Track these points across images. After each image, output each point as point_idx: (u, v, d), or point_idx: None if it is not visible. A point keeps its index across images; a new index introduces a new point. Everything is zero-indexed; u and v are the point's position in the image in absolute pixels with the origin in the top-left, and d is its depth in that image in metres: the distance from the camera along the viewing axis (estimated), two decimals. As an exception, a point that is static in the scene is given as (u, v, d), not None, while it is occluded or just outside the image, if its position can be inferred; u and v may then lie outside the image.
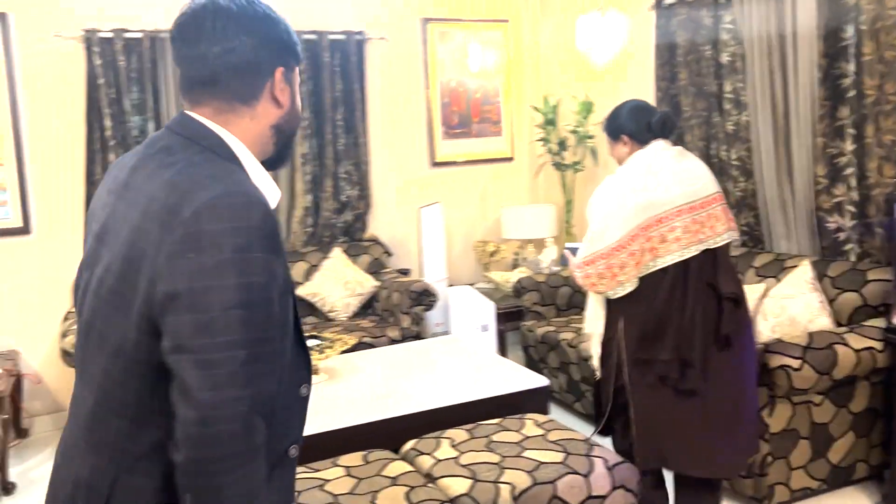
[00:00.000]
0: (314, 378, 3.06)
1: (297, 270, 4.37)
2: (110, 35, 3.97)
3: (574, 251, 2.53)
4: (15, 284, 3.94)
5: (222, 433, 0.98)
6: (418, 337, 4.09)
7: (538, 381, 3.02)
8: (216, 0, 1.10)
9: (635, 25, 4.26)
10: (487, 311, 3.97)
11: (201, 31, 1.10)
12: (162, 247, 1.00)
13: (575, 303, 4.26)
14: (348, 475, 2.30)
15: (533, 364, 4.03)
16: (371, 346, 3.91)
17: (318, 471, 2.34)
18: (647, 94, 4.11)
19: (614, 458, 2.36)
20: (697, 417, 2.25)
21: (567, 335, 3.82)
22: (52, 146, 3.98)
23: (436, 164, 4.98)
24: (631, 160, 2.35)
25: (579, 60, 4.71)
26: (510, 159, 5.22)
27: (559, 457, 2.33)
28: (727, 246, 2.30)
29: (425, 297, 4.14)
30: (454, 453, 2.41)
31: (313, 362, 3.07)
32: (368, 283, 4.41)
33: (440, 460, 2.38)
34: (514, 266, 4.98)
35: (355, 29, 4.58)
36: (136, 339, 1.04)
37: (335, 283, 4.33)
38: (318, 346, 3.10)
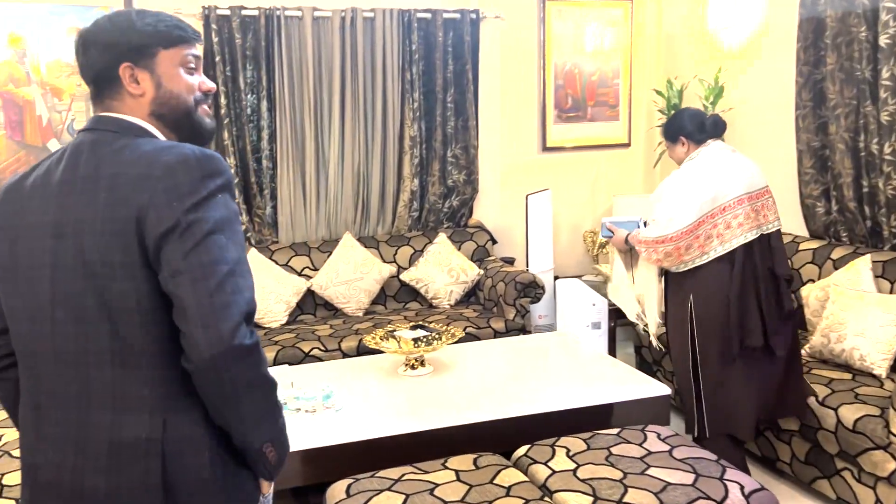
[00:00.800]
0: (420, 370, 2.96)
1: (401, 255, 4.29)
2: (227, 12, 3.97)
3: (620, 225, 2.92)
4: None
5: (223, 333, 1.14)
6: (523, 330, 3.93)
7: (659, 388, 2.81)
8: (83, 28, 1.34)
9: (774, 2, 3.90)
10: (600, 308, 3.76)
11: (76, 52, 1.33)
12: (145, 206, 1.18)
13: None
14: (458, 480, 2.18)
15: (645, 367, 3.80)
16: (475, 337, 3.78)
17: (426, 472, 2.23)
18: (787, 78, 3.76)
19: (751, 483, 2.13)
20: (767, 377, 2.67)
21: (686, 338, 3.56)
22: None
23: (546, 149, 4.77)
24: (694, 157, 2.73)
25: (708, 41, 4.38)
26: (626, 145, 4.94)
27: (688, 478, 2.13)
28: (778, 232, 2.72)
29: (532, 289, 3.97)
30: (571, 465, 2.24)
31: (421, 354, 2.97)
32: (473, 272, 4.28)
33: (556, 472, 2.22)
34: (626, 259, 4.73)
35: (470, 7, 4.42)
36: (148, 291, 1.19)
37: (439, 270, 4.21)
38: (425, 337, 2.99)
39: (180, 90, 1.33)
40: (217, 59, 3.96)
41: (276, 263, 4.05)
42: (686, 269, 2.67)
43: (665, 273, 2.80)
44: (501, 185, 4.72)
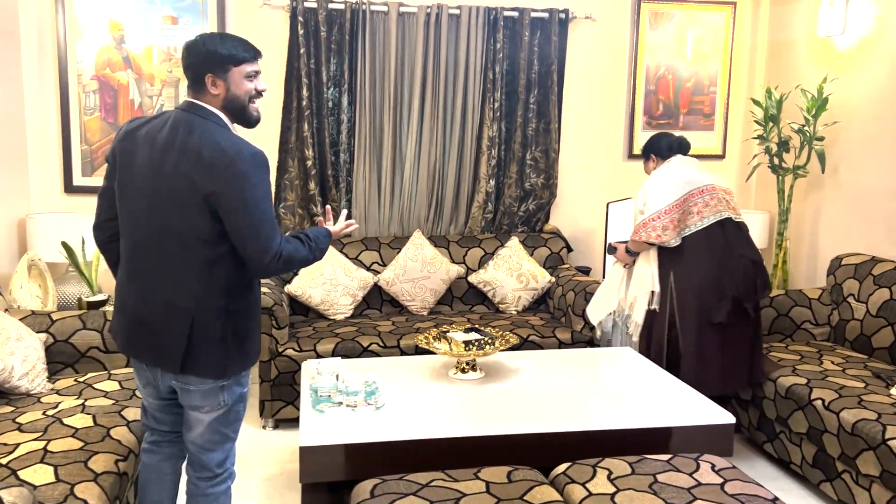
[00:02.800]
0: (470, 374, 2.87)
1: (471, 257, 4.20)
2: (314, 5, 4.01)
3: (623, 242, 3.42)
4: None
5: (276, 252, 1.99)
6: (590, 343, 3.76)
7: (722, 416, 2.59)
8: (187, 39, 2.08)
9: (889, 7, 3.57)
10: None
11: (182, 56, 2.06)
12: (217, 179, 1.93)
13: (779, 327, 3.70)
14: (488, 492, 2.07)
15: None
16: (538, 346, 3.65)
17: (456, 481, 2.13)
18: (900, 91, 3.43)
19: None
20: (737, 344, 3.14)
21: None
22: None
23: (632, 157, 4.57)
24: (661, 168, 3.33)
25: (817, 49, 4.06)
26: (720, 157, 4.67)
27: (737, 517, 1.94)
28: (746, 225, 3.25)
29: (604, 301, 3.79)
30: (610, 489, 2.09)
31: (473, 358, 2.87)
32: (543, 279, 4.14)
33: (592, 494, 2.07)
34: (711, 277, 4.47)
35: (560, 7, 4.29)
36: (201, 225, 1.96)
37: (509, 274, 4.10)
38: (477, 340, 2.90)
39: (240, 94, 2.04)
40: (301, 51, 4.01)
41: (347, 256, 4.06)
42: (677, 242, 3.15)
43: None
44: (581, 191, 4.55)
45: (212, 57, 1.99)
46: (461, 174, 4.31)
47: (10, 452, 2.23)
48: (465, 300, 4.21)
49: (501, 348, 2.90)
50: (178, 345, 1.99)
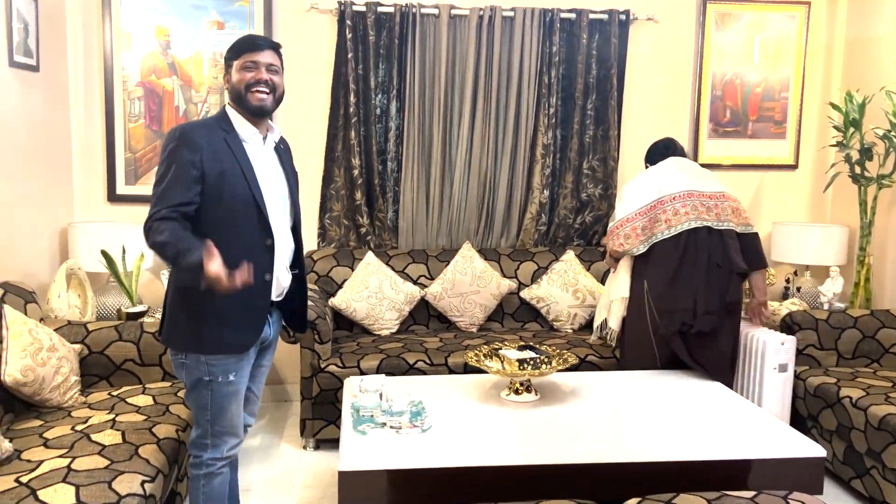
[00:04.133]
0: (524, 396, 2.65)
1: (523, 271, 3.98)
2: (363, 9, 3.87)
3: None
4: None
5: (147, 221, 2.06)
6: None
7: (812, 448, 2.30)
8: None
9: None
10: (789, 348, 3.15)
11: None
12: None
13: (864, 350, 3.36)
14: (546, 529, 1.83)
15: (799, 422, 3.23)
16: (596, 367, 3.40)
17: (510, 515, 1.90)
18: None
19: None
20: (717, 355, 3.08)
21: (853, 391, 2.97)
22: (298, 121, 3.98)
23: (697, 167, 4.28)
24: (643, 173, 3.31)
25: (901, 48, 3.75)
26: (793, 167, 4.35)
27: (841, 569, 1.65)
28: (732, 232, 3.11)
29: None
30: (686, 530, 1.83)
31: (528, 378, 2.65)
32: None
33: (666, 536, 1.81)
34: (784, 296, 4.14)
35: (621, 7, 4.06)
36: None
37: (563, 290, 3.86)
38: (532, 359, 2.66)
39: (236, 83, 2.14)
40: (349, 56, 3.87)
41: (393, 269, 3.87)
42: (642, 251, 3.10)
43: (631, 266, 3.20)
44: (642, 204, 4.28)
45: (225, 56, 2.18)
46: (513, 184, 4.09)
47: (33, 470, 2.09)
48: (517, 317, 3.97)
49: (559, 368, 2.66)
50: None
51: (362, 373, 3.30)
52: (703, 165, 4.27)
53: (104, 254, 3.37)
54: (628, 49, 4.11)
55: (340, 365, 3.32)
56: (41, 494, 1.94)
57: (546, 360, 2.68)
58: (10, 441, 2.30)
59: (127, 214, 3.85)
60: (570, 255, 3.98)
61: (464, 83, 3.98)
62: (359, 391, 2.54)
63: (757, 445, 2.31)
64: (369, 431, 2.34)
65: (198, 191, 2.03)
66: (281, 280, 2.22)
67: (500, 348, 2.82)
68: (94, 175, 3.87)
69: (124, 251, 3.48)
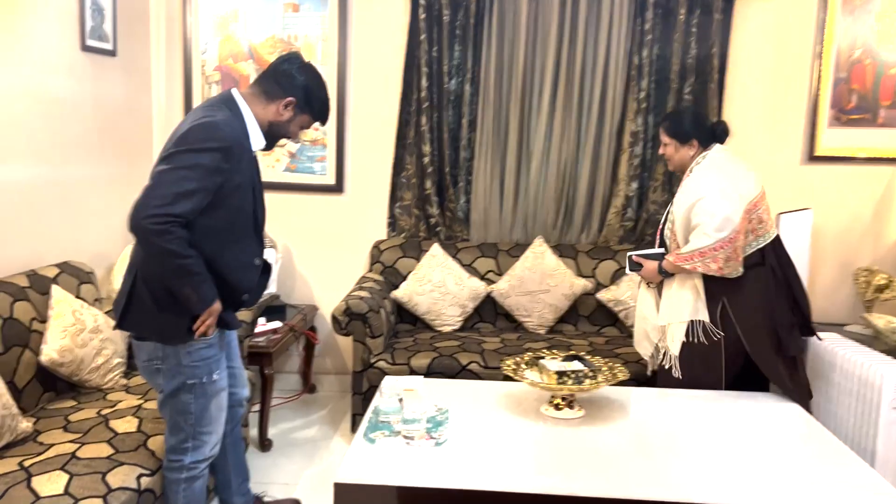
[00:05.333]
0: (565, 412, 2.39)
1: (603, 270, 3.65)
2: (438, -13, 3.69)
3: (650, 257, 2.75)
4: (324, 242, 3.94)
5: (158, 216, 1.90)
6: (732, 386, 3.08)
7: (896, 506, 1.89)
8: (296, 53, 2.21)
9: None
10: None
11: (282, 59, 2.13)
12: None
13: None
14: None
15: None
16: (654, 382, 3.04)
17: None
18: None
19: None
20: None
21: (975, 435, 2.46)
22: (370, 105, 3.86)
23: (813, 159, 3.77)
24: (707, 158, 2.69)
25: None
26: (930, 161, 3.73)
27: None
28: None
29: (759, 332, 3.09)
30: None
31: (570, 392, 2.37)
32: (689, 300, 3.49)
33: None
34: (910, 311, 3.56)
35: (725, -21, 3.62)
36: None
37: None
38: (574, 372, 2.39)
39: (291, 127, 2.13)
40: (422, 37, 3.70)
41: (460, 263, 3.68)
42: (741, 272, 2.58)
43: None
44: (745, 200, 3.83)
45: (307, 91, 2.09)
46: (597, 175, 3.77)
47: (41, 454, 2.09)
48: (593, 320, 3.66)
49: (605, 384, 2.37)
50: None
51: (412, 371, 3.15)
52: (820, 158, 3.78)
53: (168, 237, 3.41)
54: (733, 24, 3.66)
55: (390, 361, 3.18)
56: (34, 481, 1.93)
57: (591, 373, 2.40)
58: (37, 420, 2.34)
59: (202, 198, 3.90)
60: (654, 255, 3.61)
61: (544, 65, 3.69)
62: (379, 394, 2.37)
63: (839, 490, 1.92)
64: (379, 440, 2.17)
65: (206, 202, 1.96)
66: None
67: (543, 357, 2.56)
68: (173, 158, 3.94)
69: (191, 235, 3.51)
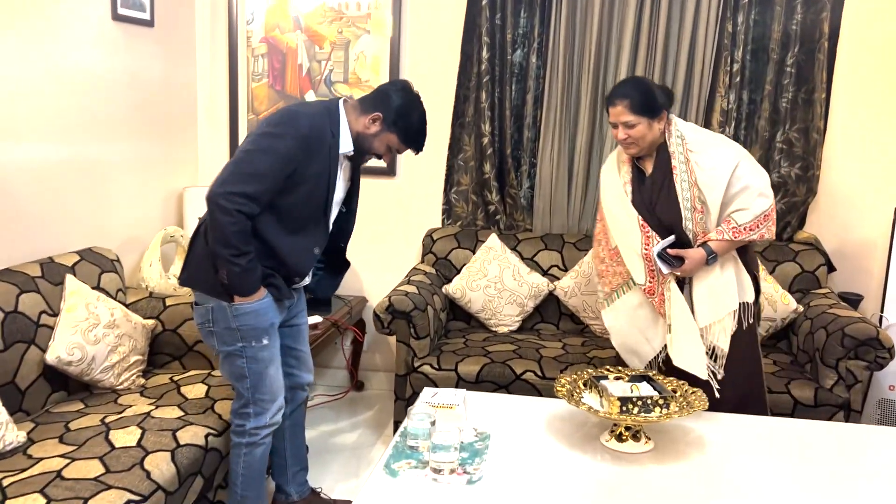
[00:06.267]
0: (629, 445, 2.00)
1: (683, 268, 3.20)
2: (502, -54, 3.28)
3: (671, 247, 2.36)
4: (374, 228, 3.63)
5: (225, 195, 1.98)
6: (845, 408, 2.61)
7: None
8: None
9: None
10: None
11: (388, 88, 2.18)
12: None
13: None
14: None
15: None
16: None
17: None
18: None
19: None
20: None
21: None
22: (425, 80, 3.50)
23: (943, 143, 3.19)
24: (683, 127, 2.38)
25: None
26: None
27: None
28: None
29: (872, 349, 2.60)
30: None
31: (639, 425, 1.97)
32: (786, 306, 3.01)
33: None
34: None
35: (841, -72, 3.07)
36: None
37: (733, 297, 3.03)
38: (640, 399, 1.98)
39: (375, 146, 2.15)
40: (483, 3, 3.30)
41: (519, 256, 3.30)
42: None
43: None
44: (855, 189, 3.28)
45: (396, 116, 2.10)
46: (680, 159, 3.30)
47: (25, 470, 1.86)
48: (671, 324, 3.22)
49: (677, 415, 1.96)
50: None
51: (460, 379, 2.81)
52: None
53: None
54: (850, -16, 3.11)
55: (436, 366, 2.85)
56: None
57: (662, 400, 1.99)
58: (35, 427, 2.12)
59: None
60: (745, 253, 3.13)
61: (621, 33, 3.24)
62: (409, 414, 2.04)
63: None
64: (403, 472, 1.85)
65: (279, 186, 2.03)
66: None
67: (605, 376, 2.16)
68: (217, 137, 3.71)
69: (230, 220, 3.26)
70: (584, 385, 2.14)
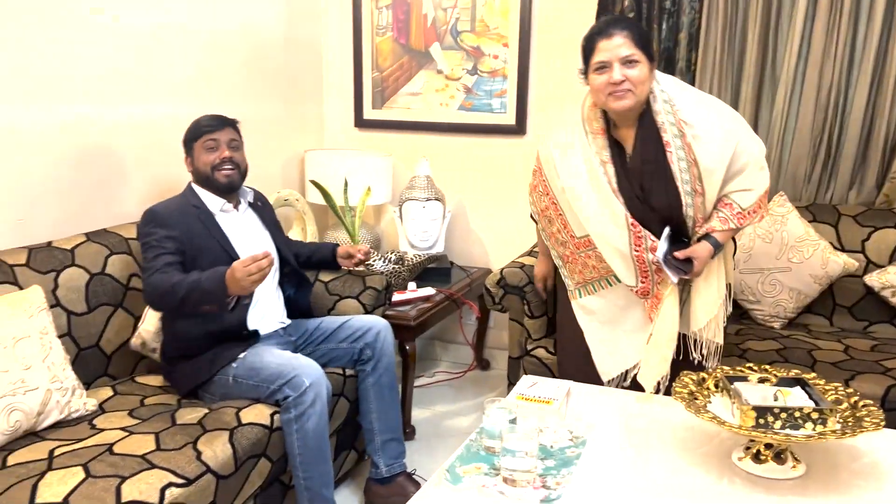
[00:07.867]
0: (769, 468, 1.54)
1: (875, 244, 2.57)
2: None
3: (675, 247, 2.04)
4: (501, 193, 3.29)
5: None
6: None
7: None
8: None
9: None
10: None
11: None
12: None
13: None
14: None
15: None
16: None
17: None
18: None
19: None
20: None
21: None
22: (560, 23, 3.09)
23: None
24: (676, 84, 1.98)
25: None
26: None
27: None
28: None
29: None
30: None
31: (785, 444, 1.50)
32: None
33: None
34: None
35: None
36: None
37: (943, 281, 2.36)
38: (785, 410, 1.50)
39: (202, 165, 2.18)
40: (628, -73, 2.82)
41: (666, 225, 2.81)
42: None
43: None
44: None
45: (184, 139, 2.20)
46: (875, 110, 2.65)
47: (81, 440, 1.76)
48: (859, 313, 2.60)
49: (835, 436, 1.45)
50: None
51: (578, 365, 2.41)
52: None
53: (315, 184, 3.01)
54: None
55: (552, 350, 2.48)
56: (40, 487, 1.57)
57: (817, 415, 1.49)
58: (112, 396, 2.04)
59: (371, 141, 3.47)
60: (963, 224, 2.43)
61: (802, -49, 2.62)
62: (488, 406, 1.71)
63: None
64: (468, 478, 1.52)
65: (181, 258, 2.03)
66: (264, 328, 2.19)
67: (745, 376, 1.68)
68: (343, 96, 3.53)
69: (346, 183, 3.08)
70: (715, 386, 1.69)
